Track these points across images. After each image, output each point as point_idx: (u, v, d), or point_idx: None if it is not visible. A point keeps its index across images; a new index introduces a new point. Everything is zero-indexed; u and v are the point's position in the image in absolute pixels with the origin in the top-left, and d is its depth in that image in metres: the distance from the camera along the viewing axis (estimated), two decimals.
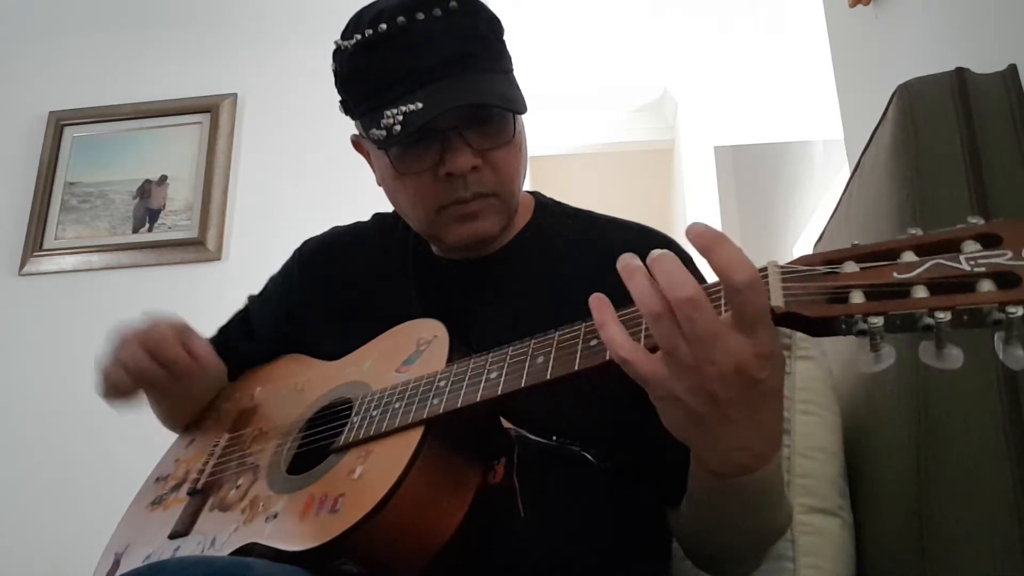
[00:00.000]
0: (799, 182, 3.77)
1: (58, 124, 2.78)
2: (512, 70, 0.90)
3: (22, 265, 2.61)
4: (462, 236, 0.89)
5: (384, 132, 0.82)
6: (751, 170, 4.48)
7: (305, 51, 2.78)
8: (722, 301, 0.57)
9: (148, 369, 0.90)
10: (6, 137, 2.79)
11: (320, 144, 2.67)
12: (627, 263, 0.56)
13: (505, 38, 0.91)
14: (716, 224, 3.22)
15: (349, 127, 0.95)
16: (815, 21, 2.36)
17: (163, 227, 2.64)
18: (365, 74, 0.86)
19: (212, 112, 2.74)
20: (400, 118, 0.81)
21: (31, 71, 2.89)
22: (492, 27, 0.88)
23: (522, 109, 0.86)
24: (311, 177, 2.67)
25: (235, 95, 2.78)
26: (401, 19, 0.82)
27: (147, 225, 2.65)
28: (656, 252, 0.56)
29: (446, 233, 0.90)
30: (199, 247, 2.59)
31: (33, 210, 2.66)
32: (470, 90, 0.83)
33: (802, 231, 3.66)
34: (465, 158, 0.84)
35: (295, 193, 2.63)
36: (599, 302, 0.59)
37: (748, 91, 3.29)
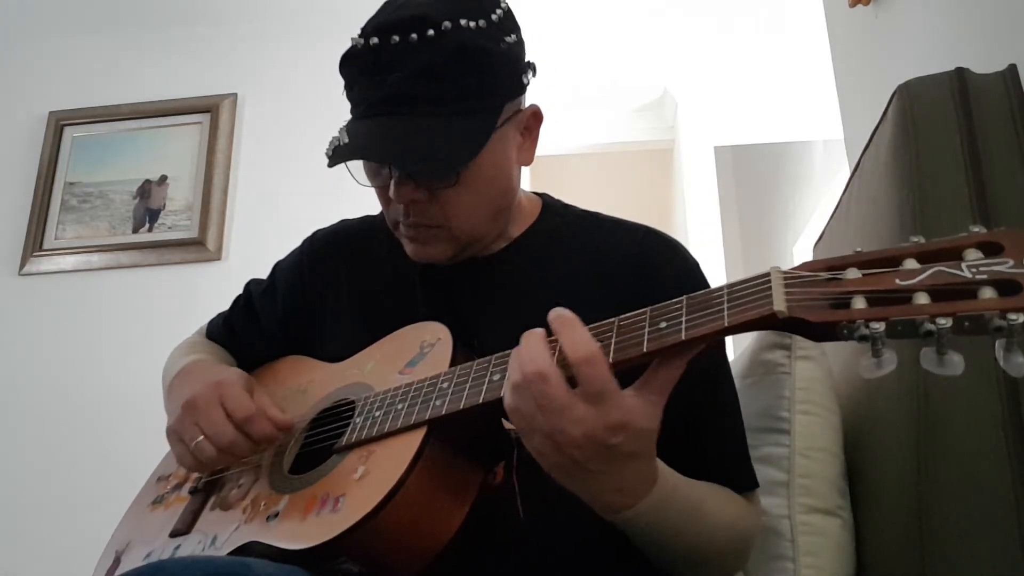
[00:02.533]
0: (799, 182, 3.77)
1: (58, 124, 2.77)
2: (477, 104, 0.83)
3: (22, 265, 2.61)
4: (412, 254, 0.90)
5: (330, 148, 0.84)
6: (751, 170, 4.48)
7: (305, 51, 2.78)
8: (612, 340, 0.62)
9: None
10: (6, 137, 2.79)
11: (320, 144, 2.64)
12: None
13: (495, 67, 0.83)
14: (716, 224, 3.23)
15: None
16: (815, 21, 2.36)
17: (163, 227, 2.64)
18: (345, 79, 0.87)
19: (212, 112, 2.74)
20: (335, 143, 0.83)
21: (31, 71, 2.89)
22: (464, 59, 0.80)
23: (441, 170, 0.82)
24: (311, 177, 2.65)
25: (235, 95, 2.78)
26: (375, 40, 0.81)
27: (147, 225, 2.65)
28: (527, 332, 0.62)
29: (404, 245, 0.91)
30: (199, 247, 2.59)
31: (33, 210, 2.66)
32: (396, 144, 0.81)
33: (802, 231, 3.66)
34: (406, 190, 0.83)
35: (295, 193, 2.63)
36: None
37: (748, 91, 3.28)
